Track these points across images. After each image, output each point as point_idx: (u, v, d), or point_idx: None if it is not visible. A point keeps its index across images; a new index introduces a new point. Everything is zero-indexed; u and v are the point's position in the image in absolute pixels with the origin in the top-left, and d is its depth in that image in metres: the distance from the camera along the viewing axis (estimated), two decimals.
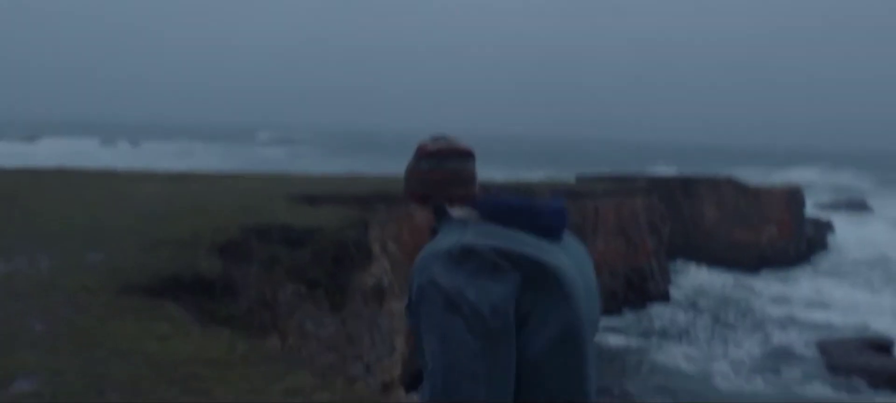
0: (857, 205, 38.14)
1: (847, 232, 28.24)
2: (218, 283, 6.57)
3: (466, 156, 1.68)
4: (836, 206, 36.10)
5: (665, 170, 43.97)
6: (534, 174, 36.41)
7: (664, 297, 21.11)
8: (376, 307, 9.67)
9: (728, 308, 21.31)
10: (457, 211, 1.60)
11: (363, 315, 9.22)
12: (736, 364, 16.87)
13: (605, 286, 19.79)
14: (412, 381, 10.96)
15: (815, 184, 49.76)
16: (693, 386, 15.84)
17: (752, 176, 35.77)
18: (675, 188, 26.46)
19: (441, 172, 1.66)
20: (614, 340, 18.14)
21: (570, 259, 1.54)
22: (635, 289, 20.16)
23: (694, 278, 23.00)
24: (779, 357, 17.36)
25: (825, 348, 17.32)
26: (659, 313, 20.08)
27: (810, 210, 28.06)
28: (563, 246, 1.56)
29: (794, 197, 27.08)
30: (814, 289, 21.60)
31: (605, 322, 18.88)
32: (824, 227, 27.30)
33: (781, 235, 26.82)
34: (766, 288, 22.18)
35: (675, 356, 17.35)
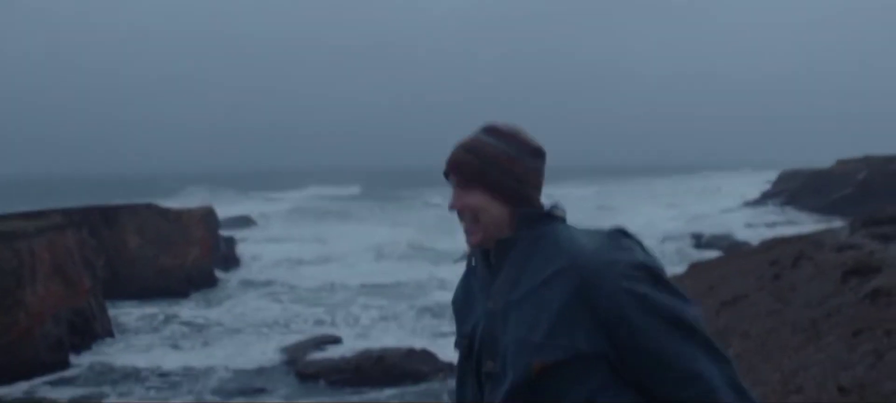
0: (245, 221, 46.79)
1: (245, 248, 35.89)
2: None
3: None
4: (229, 224, 40.72)
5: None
6: None
7: (109, 335, 21.82)
8: None
9: (174, 340, 21.32)
10: (559, 211, 1.70)
11: None
12: (199, 394, 17.76)
13: (50, 335, 19.12)
14: None
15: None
16: None
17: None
18: (95, 218, 23.32)
19: (540, 176, 1.71)
20: (67, 392, 18.16)
21: None
22: (80, 333, 20.78)
23: (130, 312, 24.66)
24: (249, 376, 18.72)
25: (289, 353, 19.55)
26: (109, 353, 19.95)
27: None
28: None
29: (209, 216, 22.68)
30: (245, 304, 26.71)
31: (52, 376, 18.95)
32: (231, 243, 33.56)
33: (204, 255, 22.64)
34: (206, 313, 25.47)
35: (134, 397, 17.98)
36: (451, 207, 1.71)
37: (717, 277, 10.69)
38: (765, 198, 63.67)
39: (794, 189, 60.90)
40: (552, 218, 1.67)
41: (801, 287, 8.25)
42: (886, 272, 7.18)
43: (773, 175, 73.24)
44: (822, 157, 72.46)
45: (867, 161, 56.97)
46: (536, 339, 1.57)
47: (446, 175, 1.74)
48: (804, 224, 43.78)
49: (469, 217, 1.69)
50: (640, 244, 1.61)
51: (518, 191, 1.66)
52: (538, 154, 1.70)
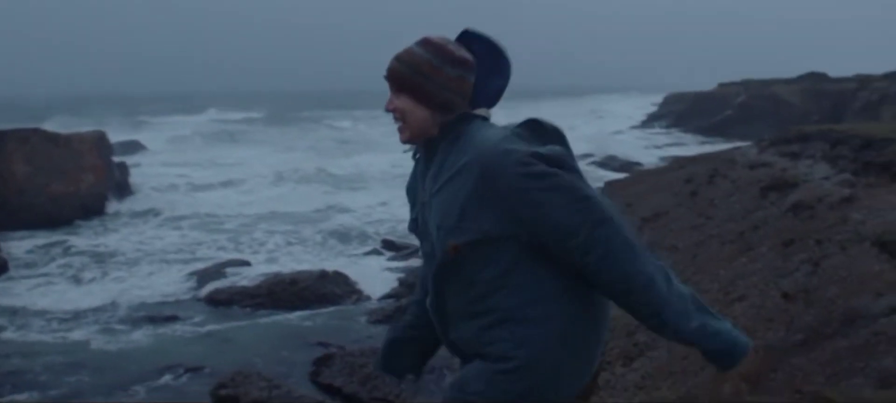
0: (137, 147, 44.75)
1: (138, 174, 33.85)
2: None
3: (475, 69, 1.93)
4: (120, 149, 37.99)
5: None
6: None
7: (4, 268, 20.63)
8: None
9: (73, 271, 20.43)
10: (481, 111, 1.94)
11: None
12: (105, 324, 17.21)
13: None
14: None
15: None
16: (71, 358, 15.77)
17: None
18: None
19: (465, 84, 1.92)
20: None
21: None
22: None
23: (20, 244, 23.46)
24: (158, 305, 18.31)
25: (197, 280, 19.07)
26: (4, 288, 19.49)
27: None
28: None
29: (101, 141, 22.21)
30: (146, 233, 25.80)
31: None
32: (124, 170, 31.69)
33: (97, 182, 22.09)
34: (103, 242, 24.39)
35: (34, 332, 17.14)
36: (386, 109, 1.96)
37: (633, 195, 11.03)
38: (651, 120, 65.67)
39: (679, 111, 63.04)
40: (472, 117, 1.92)
41: (720, 202, 8.61)
42: (803, 187, 7.58)
43: (658, 98, 75.41)
44: (704, 80, 75.19)
45: (746, 84, 59.50)
46: (450, 224, 1.83)
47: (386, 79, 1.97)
48: (689, 144, 45.54)
49: (399, 118, 1.95)
50: (554, 133, 1.86)
51: (439, 96, 1.89)
52: (460, 63, 1.92)
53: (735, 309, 5.17)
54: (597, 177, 27.86)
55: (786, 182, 7.88)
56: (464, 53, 1.94)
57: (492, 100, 1.98)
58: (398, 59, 1.94)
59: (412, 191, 2.10)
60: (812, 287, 4.93)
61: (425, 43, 1.93)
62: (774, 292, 5.14)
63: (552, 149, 1.79)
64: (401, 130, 1.96)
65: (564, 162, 1.78)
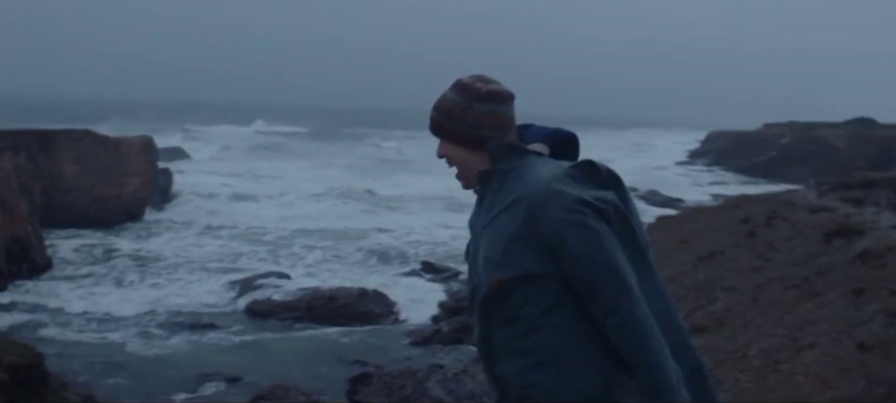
0: (180, 154, 44.84)
1: (182, 181, 33.62)
2: None
3: (513, 99, 1.95)
4: (163, 155, 36.70)
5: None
6: None
7: (48, 266, 20.94)
8: None
9: (115, 274, 20.95)
10: (536, 146, 1.93)
11: None
12: (144, 328, 17.30)
13: None
14: None
15: None
16: (110, 360, 16.02)
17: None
18: (30, 143, 22.56)
19: (498, 116, 1.91)
20: (5, 320, 17.60)
21: None
22: (18, 261, 19.89)
23: (65, 243, 23.74)
24: (197, 312, 18.31)
25: (237, 290, 19.15)
26: (48, 284, 19.70)
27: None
28: None
29: (149, 147, 22.35)
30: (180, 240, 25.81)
31: None
32: (168, 176, 31.80)
33: (143, 187, 22.31)
34: (146, 247, 24.39)
35: (74, 330, 17.35)
36: (437, 156, 2.00)
37: (687, 232, 10.80)
38: (693, 158, 65.01)
39: (721, 149, 62.32)
40: (524, 151, 1.89)
41: (780, 245, 8.38)
42: (870, 235, 7.35)
43: (701, 134, 74.70)
44: (749, 119, 74.29)
45: (791, 126, 58.62)
46: (495, 257, 1.82)
47: None
48: (731, 183, 44.90)
49: (448, 163, 1.99)
50: (609, 176, 1.82)
51: (472, 135, 1.91)
52: (489, 98, 1.91)
53: (805, 357, 4.98)
54: (640, 211, 27.52)
55: (851, 228, 7.67)
56: (494, 87, 1.93)
57: (550, 138, 1.97)
58: (435, 107, 1.97)
59: (473, 222, 2.07)
60: (890, 339, 4.73)
61: (456, 85, 1.95)
62: (848, 342, 4.95)
63: (603, 197, 1.77)
64: (458, 177, 2.00)
65: (609, 216, 1.76)
